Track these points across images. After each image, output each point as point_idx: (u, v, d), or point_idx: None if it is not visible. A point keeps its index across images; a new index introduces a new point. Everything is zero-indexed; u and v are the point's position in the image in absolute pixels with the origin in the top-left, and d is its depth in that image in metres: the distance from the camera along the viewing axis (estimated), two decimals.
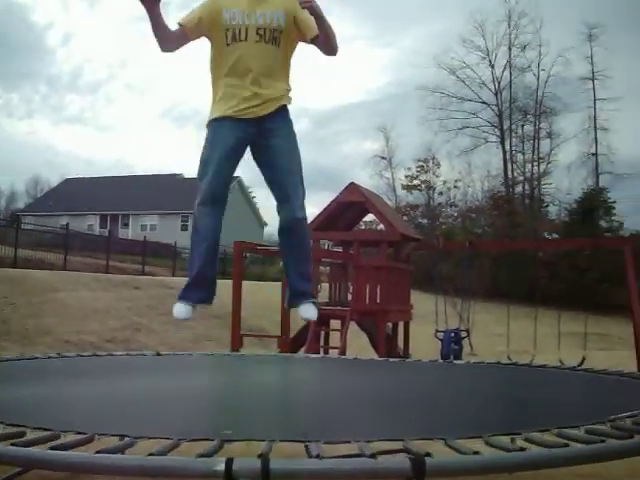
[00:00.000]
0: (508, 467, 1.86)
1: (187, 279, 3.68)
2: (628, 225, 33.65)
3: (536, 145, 39.93)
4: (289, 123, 3.66)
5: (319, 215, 10.61)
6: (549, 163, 39.86)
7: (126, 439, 1.85)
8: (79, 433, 1.92)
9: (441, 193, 40.64)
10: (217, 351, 7.79)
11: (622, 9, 44.98)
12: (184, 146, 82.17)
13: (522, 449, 1.82)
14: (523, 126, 40.77)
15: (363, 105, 65.16)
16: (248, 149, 3.64)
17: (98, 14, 69.41)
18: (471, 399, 3.02)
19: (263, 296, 13.78)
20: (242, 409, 2.66)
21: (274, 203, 3.63)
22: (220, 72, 3.60)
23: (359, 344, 10.89)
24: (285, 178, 3.55)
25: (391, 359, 5.91)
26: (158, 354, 4.86)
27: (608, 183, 36.85)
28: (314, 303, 3.72)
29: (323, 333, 10.35)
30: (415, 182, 40.78)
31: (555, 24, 46.97)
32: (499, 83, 40.84)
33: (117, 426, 2.06)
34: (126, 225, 42.76)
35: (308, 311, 3.69)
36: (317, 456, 1.69)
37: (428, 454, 1.72)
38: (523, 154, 40.45)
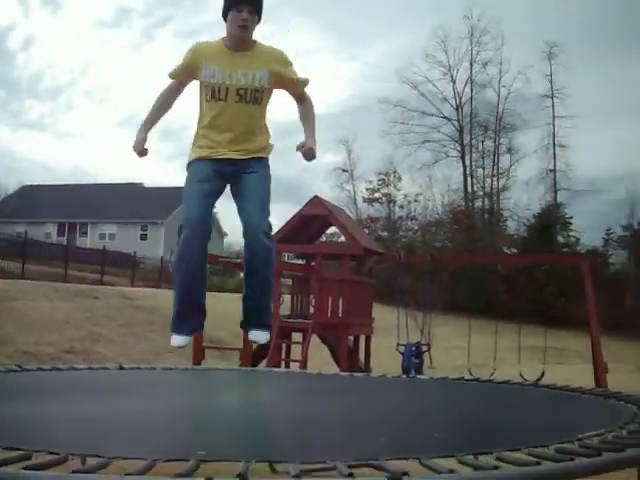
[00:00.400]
0: None
1: (173, 312, 3.67)
2: (584, 241, 34.52)
3: (496, 160, 40.71)
4: (266, 168, 3.66)
5: (282, 228, 10.61)
6: (508, 178, 40.66)
7: (101, 459, 1.82)
8: (51, 453, 1.88)
9: (402, 206, 41.04)
10: (179, 363, 7.70)
11: (582, 28, 46.15)
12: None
13: (496, 467, 1.85)
14: (483, 141, 41.54)
15: (325, 117, 64.49)
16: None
17: (60, 19, 68.26)
18: (439, 417, 3.05)
19: (223, 307, 13.68)
20: (212, 428, 2.65)
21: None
22: (202, 121, 3.58)
23: (320, 357, 10.90)
24: (254, 206, 3.52)
25: (355, 374, 5.92)
26: (121, 367, 4.80)
27: (566, 199, 37.76)
28: (269, 331, 3.75)
29: (284, 346, 10.33)
30: (376, 195, 41.12)
31: (516, 42, 47.84)
32: (460, 99, 41.59)
33: (87, 446, 2.03)
34: (84, 234, 41.99)
35: (258, 335, 3.69)
36: (296, 476, 1.69)
37: (405, 473, 1.73)
38: (483, 169, 41.18)
